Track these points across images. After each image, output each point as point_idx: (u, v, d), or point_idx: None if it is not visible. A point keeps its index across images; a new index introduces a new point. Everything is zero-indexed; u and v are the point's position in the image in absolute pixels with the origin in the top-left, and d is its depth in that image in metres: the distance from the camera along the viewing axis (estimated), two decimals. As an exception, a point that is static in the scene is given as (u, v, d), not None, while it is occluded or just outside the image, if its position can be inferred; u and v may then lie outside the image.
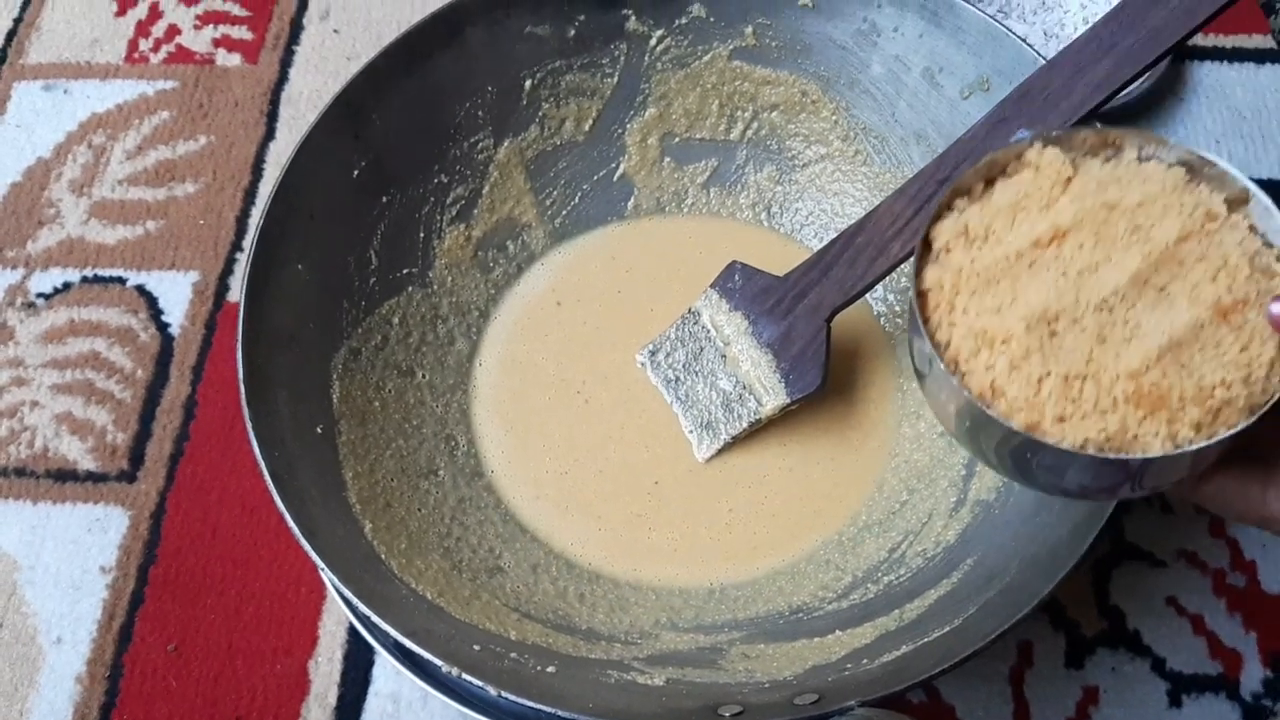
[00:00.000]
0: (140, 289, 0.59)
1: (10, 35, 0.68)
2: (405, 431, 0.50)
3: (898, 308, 0.55)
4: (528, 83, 0.55)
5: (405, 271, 0.53)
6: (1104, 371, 0.32)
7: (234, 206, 0.62)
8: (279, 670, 0.49)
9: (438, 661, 0.37)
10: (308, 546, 0.39)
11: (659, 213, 0.59)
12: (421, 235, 0.54)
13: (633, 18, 0.54)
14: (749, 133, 0.58)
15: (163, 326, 0.58)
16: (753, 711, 0.38)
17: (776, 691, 0.40)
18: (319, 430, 0.46)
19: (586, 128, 0.57)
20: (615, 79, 0.56)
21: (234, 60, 0.67)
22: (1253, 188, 0.33)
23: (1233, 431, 0.31)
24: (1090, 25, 0.43)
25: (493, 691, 0.37)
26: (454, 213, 0.55)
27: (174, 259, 0.60)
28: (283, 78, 0.66)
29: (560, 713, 0.37)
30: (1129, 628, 0.49)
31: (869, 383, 0.53)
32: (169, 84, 0.66)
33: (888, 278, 0.48)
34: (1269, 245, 0.33)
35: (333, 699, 0.48)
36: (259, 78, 0.66)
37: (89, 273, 0.60)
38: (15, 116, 0.65)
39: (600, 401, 0.53)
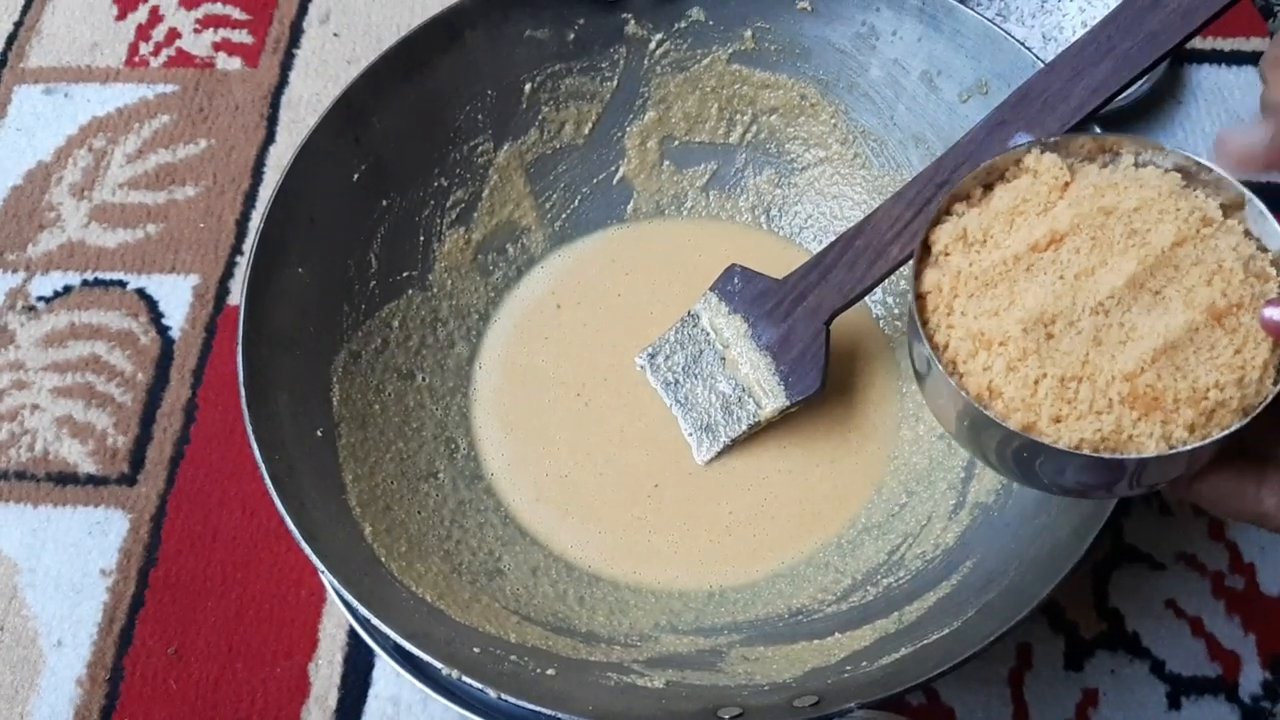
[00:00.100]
0: (141, 292, 0.59)
1: (11, 39, 0.68)
2: (405, 434, 0.50)
3: (897, 310, 0.55)
4: (527, 86, 0.55)
5: (405, 275, 0.53)
6: (1100, 373, 0.32)
7: (234, 210, 0.62)
8: (279, 673, 0.49)
9: (438, 664, 0.38)
10: (308, 549, 0.39)
11: (658, 216, 0.59)
12: (421, 238, 0.54)
13: (632, 21, 0.55)
14: (748, 136, 0.58)
15: (163, 330, 0.58)
16: (752, 714, 0.38)
17: (776, 694, 0.40)
18: (319, 433, 0.46)
19: (586, 131, 0.57)
20: (615, 82, 0.56)
21: (234, 64, 0.67)
22: (1247, 193, 0.34)
23: (1226, 433, 0.31)
24: (1088, 28, 0.43)
25: (492, 694, 0.37)
26: (454, 216, 0.55)
27: (174, 262, 0.60)
28: (283, 81, 0.66)
29: (560, 715, 0.37)
30: (1128, 630, 0.49)
31: (868, 385, 0.53)
32: (169, 88, 0.66)
33: (887, 281, 0.48)
34: (1263, 250, 0.33)
35: (333, 702, 0.48)
36: (259, 81, 0.66)
37: (89, 276, 0.60)
38: (16, 120, 0.65)
39: (600, 404, 0.53)
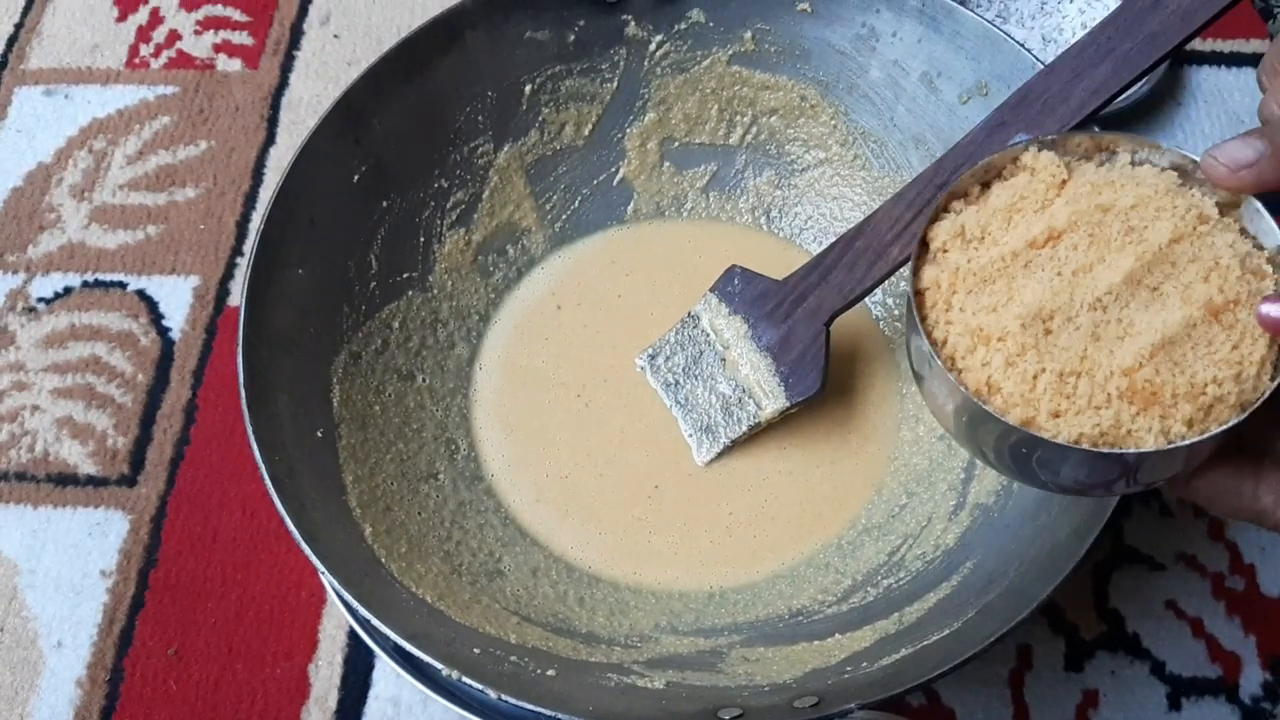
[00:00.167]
0: (141, 293, 0.59)
1: (11, 40, 0.69)
2: (405, 435, 0.50)
3: (897, 312, 0.55)
4: (527, 88, 0.55)
5: (405, 276, 0.53)
6: (1098, 368, 0.32)
7: (234, 211, 0.62)
8: (279, 674, 0.49)
9: (438, 665, 0.38)
10: (308, 550, 0.39)
11: (659, 217, 0.59)
12: (422, 240, 0.54)
13: (632, 23, 0.55)
14: (748, 137, 0.58)
15: (163, 331, 0.58)
16: (752, 715, 0.38)
17: (776, 695, 0.40)
18: (319, 434, 0.46)
19: (586, 132, 0.57)
20: (615, 84, 0.56)
21: (234, 65, 0.67)
22: None
23: (1224, 428, 0.31)
24: (1088, 30, 0.43)
25: (493, 695, 0.37)
26: (454, 217, 0.55)
27: (174, 264, 0.60)
28: (283, 83, 0.67)
29: (560, 716, 0.37)
30: (1128, 631, 0.49)
31: (868, 386, 0.53)
32: (170, 89, 0.66)
33: (887, 282, 0.48)
34: (1259, 248, 0.33)
35: (333, 703, 0.48)
36: (259, 83, 0.66)
37: (90, 277, 0.60)
38: (16, 121, 0.65)
39: (600, 405, 0.53)
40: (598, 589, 0.48)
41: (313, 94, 0.66)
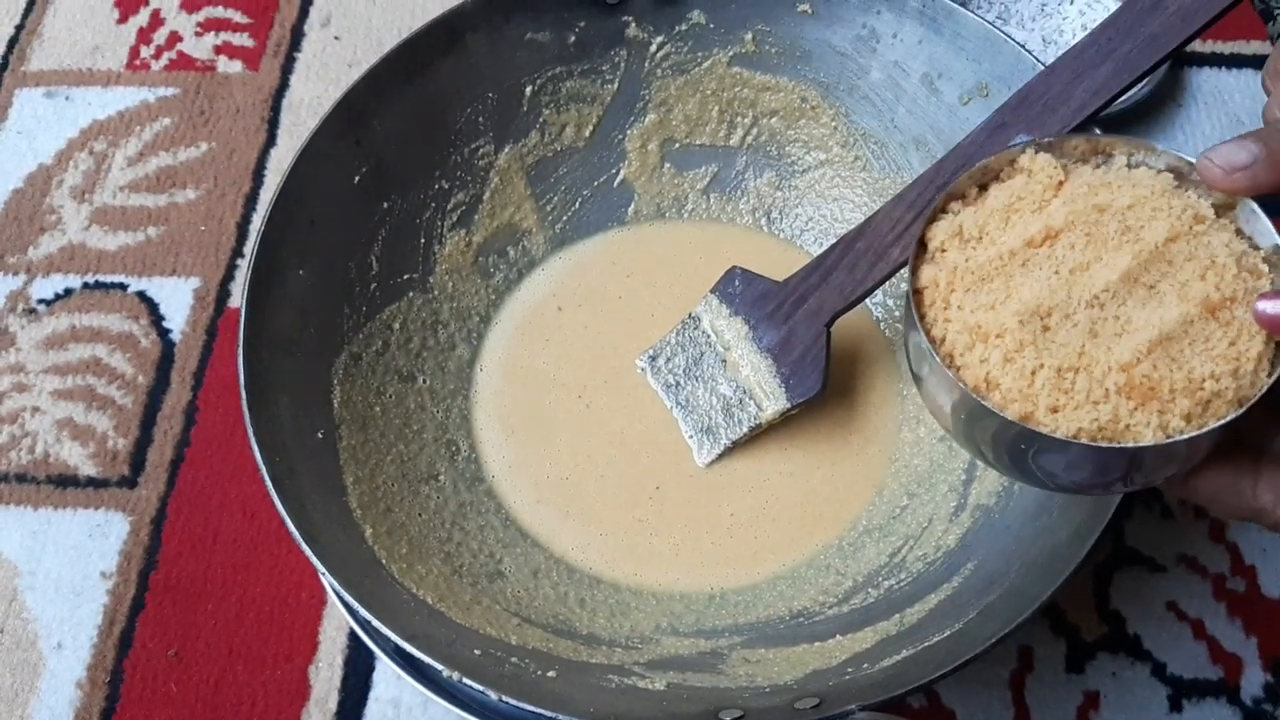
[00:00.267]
0: (141, 295, 0.59)
1: (12, 42, 0.69)
2: (406, 436, 0.50)
3: (898, 313, 0.55)
4: (528, 89, 0.55)
5: (406, 277, 0.53)
6: (1096, 364, 0.32)
7: (235, 213, 0.62)
8: (279, 675, 0.49)
9: (438, 666, 0.38)
10: (309, 551, 0.39)
11: (659, 218, 0.59)
12: (422, 241, 0.54)
13: (633, 24, 0.55)
14: (749, 139, 0.58)
15: (164, 332, 0.58)
16: (753, 716, 0.38)
17: (777, 696, 0.40)
18: (320, 435, 0.46)
19: (587, 134, 0.57)
20: (615, 85, 0.56)
21: (235, 67, 0.67)
22: None
23: (1222, 422, 0.31)
24: (1089, 31, 0.43)
25: (493, 696, 0.37)
26: (455, 218, 0.55)
27: (175, 265, 0.60)
28: (284, 84, 0.67)
29: (561, 718, 0.37)
30: (1129, 632, 0.49)
31: (869, 387, 0.53)
32: (170, 91, 0.66)
33: (887, 283, 0.48)
34: (1255, 247, 0.34)
35: (333, 704, 0.48)
36: (260, 84, 0.67)
37: (90, 279, 0.60)
38: (17, 123, 0.65)
39: (601, 406, 0.53)
40: (598, 590, 0.48)
41: (313, 95, 0.66)
